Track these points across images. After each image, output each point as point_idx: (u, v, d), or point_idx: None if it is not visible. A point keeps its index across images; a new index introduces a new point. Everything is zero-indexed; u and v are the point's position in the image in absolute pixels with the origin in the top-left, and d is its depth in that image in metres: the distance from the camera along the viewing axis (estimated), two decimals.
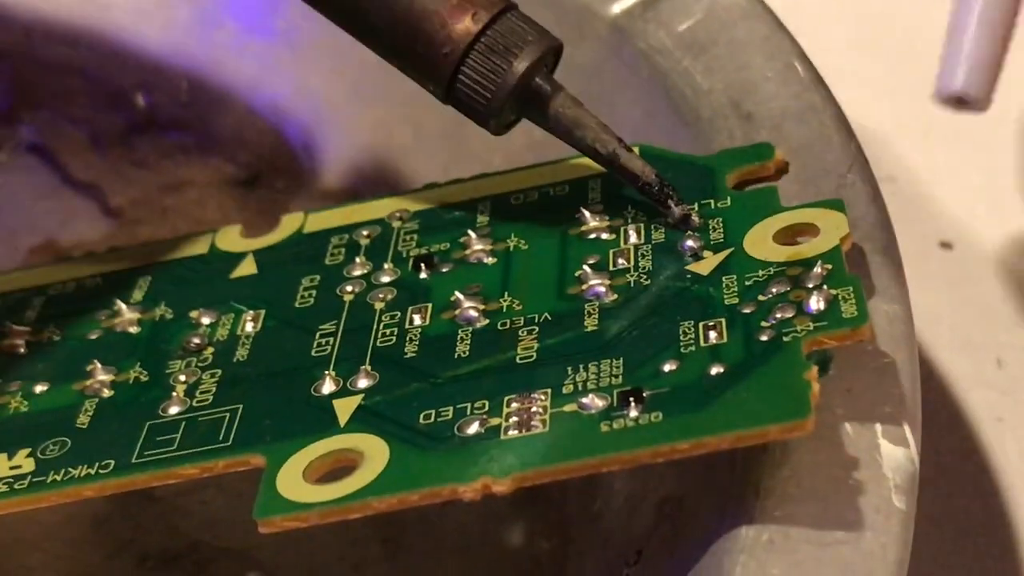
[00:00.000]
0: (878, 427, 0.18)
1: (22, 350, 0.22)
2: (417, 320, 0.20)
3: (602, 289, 0.20)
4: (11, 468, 0.20)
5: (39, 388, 0.21)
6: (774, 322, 0.18)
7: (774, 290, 0.19)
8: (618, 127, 0.23)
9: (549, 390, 0.18)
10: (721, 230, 0.20)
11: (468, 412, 0.18)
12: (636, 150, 0.22)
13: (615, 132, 0.21)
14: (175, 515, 0.25)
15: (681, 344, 0.18)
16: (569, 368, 0.19)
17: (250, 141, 0.31)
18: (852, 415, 0.18)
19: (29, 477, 0.19)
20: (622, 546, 0.23)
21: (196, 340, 0.21)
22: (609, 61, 0.26)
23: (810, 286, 0.18)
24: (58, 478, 0.19)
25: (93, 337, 0.22)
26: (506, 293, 0.20)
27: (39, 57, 0.32)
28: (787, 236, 0.20)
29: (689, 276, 0.20)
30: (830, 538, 0.17)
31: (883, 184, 0.29)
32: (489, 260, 0.21)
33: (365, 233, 0.22)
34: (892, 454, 0.18)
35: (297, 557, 0.25)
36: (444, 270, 0.21)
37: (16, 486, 0.19)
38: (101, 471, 0.19)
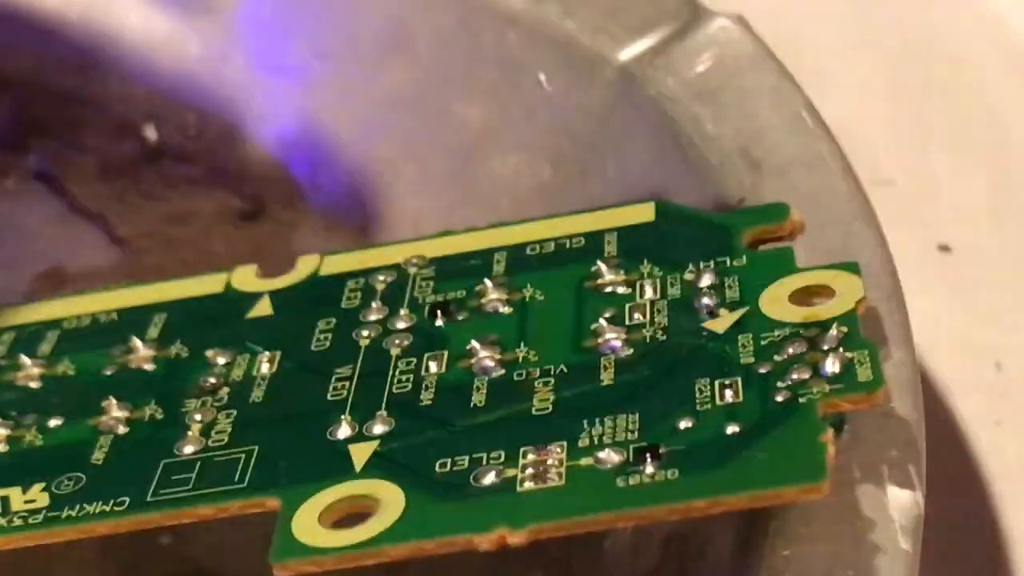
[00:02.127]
0: (884, 470, 0.19)
1: (36, 384, 0.22)
2: (433, 367, 0.21)
3: (618, 343, 0.20)
4: (26, 502, 0.20)
5: (53, 423, 0.21)
6: (790, 383, 0.18)
7: (790, 351, 0.19)
8: (627, 172, 0.23)
9: (565, 443, 0.18)
10: (737, 288, 0.20)
11: (484, 462, 0.19)
12: (652, 205, 0.22)
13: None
14: (180, 542, 0.25)
15: (697, 402, 0.19)
16: (585, 421, 0.19)
17: (257, 174, 0.31)
18: (859, 459, 0.19)
19: (44, 512, 0.19)
20: None
21: (212, 380, 0.21)
22: (618, 106, 0.26)
23: (826, 348, 0.19)
24: (72, 514, 0.19)
25: (108, 373, 0.22)
26: (522, 343, 0.21)
27: (48, 86, 0.32)
28: (802, 297, 0.20)
29: (705, 334, 0.20)
30: None
31: (882, 187, 0.30)
32: (505, 310, 0.21)
33: (381, 278, 0.23)
34: (898, 496, 0.19)
35: None
36: (460, 318, 0.21)
37: (31, 520, 0.19)
38: (116, 508, 0.19)
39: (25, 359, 0.22)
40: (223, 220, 0.31)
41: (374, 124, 0.30)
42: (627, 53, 0.27)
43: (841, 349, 0.19)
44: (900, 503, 0.18)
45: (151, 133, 0.32)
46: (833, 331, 0.19)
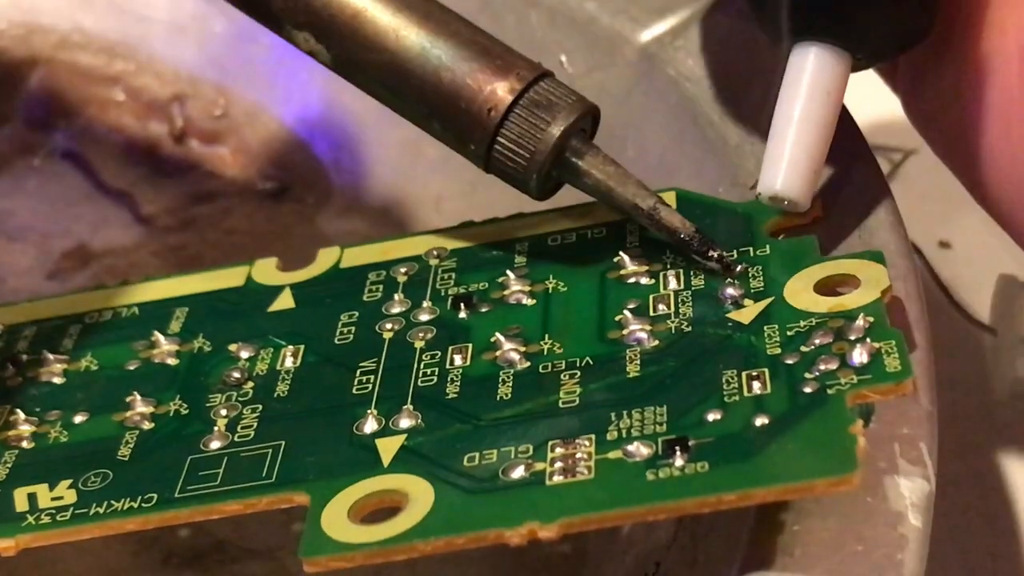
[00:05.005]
0: (896, 447, 0.19)
1: (59, 379, 0.22)
2: (458, 360, 0.21)
3: (643, 335, 0.20)
4: (53, 499, 0.20)
5: (78, 419, 0.21)
6: (818, 374, 0.18)
7: (816, 341, 0.19)
8: (646, 152, 0.23)
9: (593, 436, 0.18)
10: (761, 278, 0.20)
11: (512, 456, 0.18)
12: (673, 194, 0.22)
13: (651, 189, 0.21)
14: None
15: (725, 393, 0.19)
16: (613, 414, 0.19)
17: (280, 155, 0.31)
18: (872, 436, 0.19)
19: (71, 509, 0.19)
20: (640, 557, 0.23)
21: (236, 374, 0.21)
22: (639, 87, 0.26)
23: (852, 339, 0.19)
24: (100, 510, 0.19)
25: (131, 368, 0.22)
26: (546, 335, 0.21)
27: (75, 66, 0.32)
28: (827, 286, 0.20)
29: (731, 324, 0.20)
30: (848, 552, 0.18)
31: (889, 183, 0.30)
32: (528, 301, 0.21)
33: (403, 270, 0.23)
34: (909, 473, 0.19)
35: None
36: (483, 310, 0.21)
37: (59, 517, 0.19)
38: (144, 505, 0.19)
39: (48, 354, 0.22)
40: (247, 199, 0.31)
41: None
42: (647, 34, 0.27)
43: (868, 339, 0.18)
44: (911, 480, 0.19)
45: (177, 112, 0.32)
46: (859, 321, 0.19)
